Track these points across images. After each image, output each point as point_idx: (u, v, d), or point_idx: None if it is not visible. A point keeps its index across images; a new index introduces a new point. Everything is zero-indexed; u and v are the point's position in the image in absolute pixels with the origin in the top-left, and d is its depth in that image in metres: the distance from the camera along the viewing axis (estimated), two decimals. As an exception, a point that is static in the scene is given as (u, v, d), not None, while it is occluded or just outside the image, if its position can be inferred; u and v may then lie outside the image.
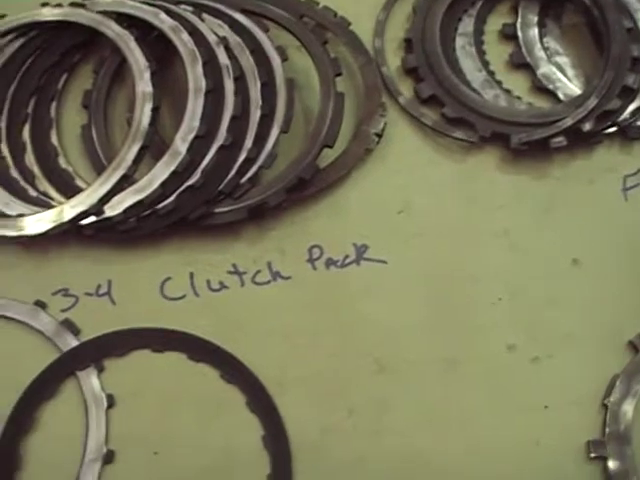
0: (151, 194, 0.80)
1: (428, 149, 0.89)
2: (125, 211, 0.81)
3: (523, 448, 0.80)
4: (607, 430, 0.79)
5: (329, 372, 0.81)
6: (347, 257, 0.83)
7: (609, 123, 0.89)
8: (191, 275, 0.82)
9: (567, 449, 0.80)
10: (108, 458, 0.77)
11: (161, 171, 0.80)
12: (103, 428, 0.78)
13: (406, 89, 0.91)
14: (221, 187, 0.82)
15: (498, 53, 0.96)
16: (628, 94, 0.89)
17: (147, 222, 0.81)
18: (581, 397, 0.81)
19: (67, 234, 0.82)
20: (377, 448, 0.80)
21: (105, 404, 0.78)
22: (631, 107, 0.89)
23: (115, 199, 0.80)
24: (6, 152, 0.87)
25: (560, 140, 0.86)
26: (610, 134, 0.90)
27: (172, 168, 0.80)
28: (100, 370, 0.80)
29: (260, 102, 0.84)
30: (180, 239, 0.83)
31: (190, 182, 0.81)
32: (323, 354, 0.81)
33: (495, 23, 0.97)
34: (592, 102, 0.86)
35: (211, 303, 0.83)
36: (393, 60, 0.93)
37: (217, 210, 0.82)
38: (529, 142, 0.86)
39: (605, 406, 0.80)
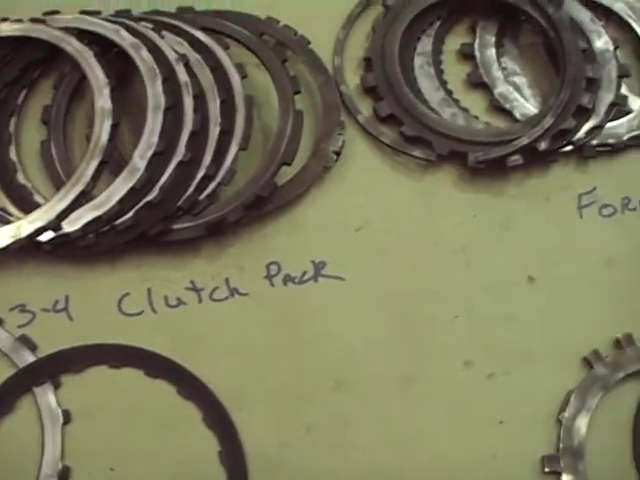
0: (109, 210, 0.80)
1: (386, 167, 0.90)
2: (83, 227, 0.81)
3: (480, 463, 0.81)
4: (561, 445, 0.80)
5: (287, 388, 0.81)
6: (305, 274, 0.83)
7: (564, 142, 0.90)
8: (149, 291, 0.82)
9: (523, 463, 0.80)
10: (64, 474, 0.77)
11: (119, 187, 0.80)
12: (59, 444, 0.77)
13: (365, 108, 0.92)
14: (179, 203, 0.82)
15: (456, 72, 0.96)
16: (583, 114, 0.90)
17: (105, 238, 0.82)
18: (537, 413, 0.81)
19: (25, 250, 0.82)
20: (335, 464, 0.80)
21: (61, 420, 0.78)
22: (586, 126, 0.91)
23: (73, 215, 0.80)
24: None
25: (516, 159, 0.87)
26: (566, 153, 0.91)
27: (130, 184, 0.80)
28: (57, 386, 0.79)
29: (219, 119, 0.84)
30: (138, 255, 0.83)
31: (148, 198, 0.81)
32: (281, 370, 0.80)
33: (453, 43, 0.98)
34: (548, 121, 0.87)
35: (169, 319, 0.82)
36: (352, 79, 0.93)
37: (175, 226, 0.83)
38: (486, 161, 0.87)
39: (560, 421, 0.80)
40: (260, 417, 0.81)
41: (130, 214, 0.82)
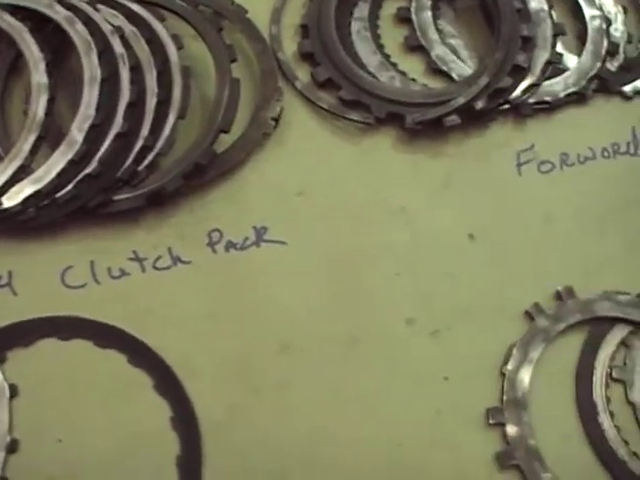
0: (49, 184, 0.81)
1: (325, 132, 0.90)
2: (23, 201, 0.81)
3: (424, 419, 0.82)
4: (505, 397, 0.82)
5: (233, 353, 0.82)
6: (247, 239, 0.84)
7: (501, 101, 0.91)
8: (92, 263, 0.83)
9: (467, 417, 0.82)
10: (12, 447, 0.77)
11: (58, 160, 0.81)
12: (6, 418, 0.77)
13: (303, 74, 0.93)
14: (119, 175, 0.83)
15: (393, 36, 0.97)
16: (519, 72, 0.91)
17: (46, 212, 0.82)
18: (480, 367, 0.83)
19: (-35, 227, 0.80)
20: (282, 426, 0.81)
21: (7, 394, 0.77)
22: (523, 85, 0.92)
23: (13, 190, 0.81)
24: None
25: (453, 119, 0.88)
26: (503, 111, 0.92)
27: (69, 157, 0.81)
28: (2, 360, 0.78)
29: (156, 90, 0.85)
30: (79, 228, 0.84)
31: (87, 170, 0.82)
32: (226, 336, 0.82)
33: (390, 7, 0.99)
34: (484, 81, 0.88)
35: (113, 290, 0.83)
36: (290, 46, 0.94)
37: (115, 198, 0.83)
38: (423, 121, 0.88)
39: (503, 374, 0.82)
40: (208, 383, 0.82)
41: (69, 187, 0.82)
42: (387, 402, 0.83)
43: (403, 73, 0.94)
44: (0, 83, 0.90)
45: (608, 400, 0.83)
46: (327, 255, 0.86)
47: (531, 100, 0.92)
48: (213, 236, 0.84)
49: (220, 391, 0.83)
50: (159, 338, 0.83)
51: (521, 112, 0.92)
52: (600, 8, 0.97)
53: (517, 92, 0.92)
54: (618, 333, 0.85)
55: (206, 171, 0.85)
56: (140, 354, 0.82)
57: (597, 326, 0.86)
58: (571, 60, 0.95)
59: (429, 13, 0.96)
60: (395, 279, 0.84)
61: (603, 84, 0.95)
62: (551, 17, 0.95)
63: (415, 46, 0.96)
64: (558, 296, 0.85)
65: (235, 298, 0.83)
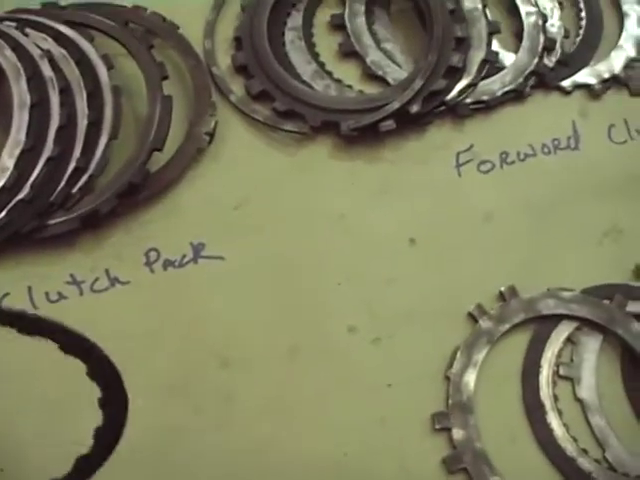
0: (-22, 212, 0.78)
1: (261, 144, 0.91)
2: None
3: (368, 427, 0.82)
4: (450, 401, 0.82)
5: (173, 372, 0.82)
6: (184, 257, 0.84)
7: (437, 103, 0.90)
8: (29, 289, 0.83)
9: (412, 424, 0.81)
10: None
11: (-11, 189, 0.79)
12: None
13: (237, 87, 0.93)
14: (52, 199, 0.82)
15: (328, 44, 0.97)
16: (454, 73, 0.91)
17: (-21, 239, 0.79)
18: (424, 372, 0.82)
19: None
20: (225, 441, 0.82)
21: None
22: (458, 86, 0.91)
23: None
24: None
25: (389, 124, 0.88)
26: (440, 113, 0.92)
27: (0, 184, 0.79)
28: None
29: (87, 111, 0.85)
30: (15, 254, 0.84)
31: (20, 196, 0.82)
32: (166, 354, 0.81)
33: (324, 15, 0.99)
34: (418, 84, 0.88)
35: (51, 315, 0.83)
36: (224, 60, 0.94)
37: (50, 222, 0.83)
38: (358, 128, 0.88)
39: (448, 378, 0.81)
40: (148, 403, 0.81)
41: (2, 214, 0.81)
42: (331, 411, 0.82)
43: (339, 81, 0.93)
44: None
45: (556, 398, 0.83)
46: (266, 267, 0.86)
47: (468, 100, 0.92)
48: (151, 255, 0.84)
49: (159, 411, 0.83)
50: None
51: (458, 113, 0.92)
52: (536, 4, 0.97)
53: (453, 93, 0.92)
54: (564, 330, 0.85)
55: (140, 190, 0.85)
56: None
57: (542, 324, 0.86)
58: (508, 58, 0.95)
59: (363, 18, 0.96)
60: (336, 287, 0.84)
61: (541, 80, 0.95)
62: (485, 16, 0.95)
63: (350, 52, 0.95)
64: (501, 296, 0.85)
65: (174, 316, 0.83)
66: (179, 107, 0.90)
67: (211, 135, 0.87)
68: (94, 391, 0.81)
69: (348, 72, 0.96)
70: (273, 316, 0.83)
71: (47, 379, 0.82)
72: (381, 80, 0.94)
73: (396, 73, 0.93)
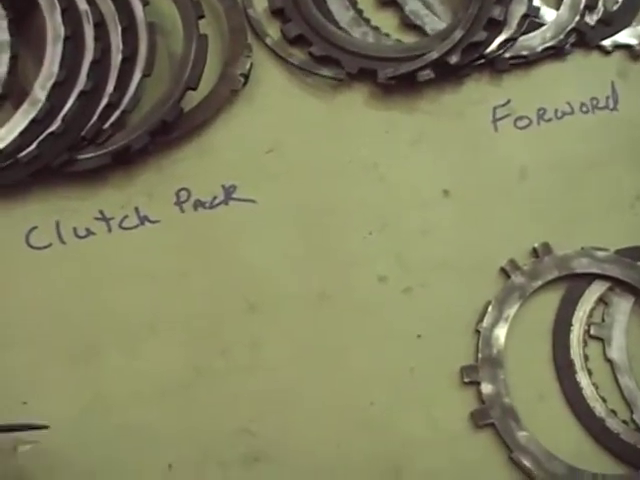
0: (11, 143, 0.79)
1: (296, 88, 0.89)
2: (-15, 162, 0.77)
3: (397, 377, 0.81)
4: (480, 355, 0.80)
5: (200, 313, 0.81)
6: (215, 198, 0.82)
7: (476, 55, 0.88)
8: (57, 223, 0.81)
9: (441, 376, 0.80)
10: None
11: (21, 119, 0.80)
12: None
13: (273, 31, 0.90)
14: (83, 133, 0.81)
15: (366, -8, 0.91)
16: (494, 26, 0.89)
17: (9, 172, 0.80)
18: (455, 324, 0.81)
19: None
20: (251, 385, 0.80)
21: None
22: (498, 39, 0.89)
23: (-25, 150, 0.77)
24: None
25: (427, 73, 0.86)
26: (479, 66, 0.90)
27: (31, 116, 0.79)
28: None
29: (121, 47, 0.83)
30: (44, 187, 0.82)
31: (51, 129, 0.80)
32: (194, 296, 0.80)
33: (364, -38, 0.93)
34: (458, 34, 0.87)
35: (78, 250, 0.82)
36: (260, 2, 0.92)
37: (80, 156, 0.81)
38: (396, 76, 0.87)
39: (478, 332, 0.80)
40: (175, 344, 0.80)
41: (32, 146, 0.80)
42: (359, 360, 0.81)
43: (376, 28, 0.92)
44: (-38, 41, 0.86)
45: (586, 358, 0.82)
46: (297, 213, 0.84)
47: (507, 55, 0.91)
48: (181, 195, 0.82)
49: (186, 352, 0.81)
50: (125, 297, 0.82)
51: (497, 67, 0.90)
52: (580, -41, 0.93)
53: (493, 46, 0.90)
54: (596, 290, 0.84)
55: (173, 129, 0.83)
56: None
57: (575, 283, 0.84)
58: (549, 14, 0.93)
59: (403, -33, 0.91)
60: (368, 236, 0.83)
61: (581, 38, 0.94)
62: (528, -31, 0.90)
63: (388, 1, 0.93)
64: (535, 253, 0.84)
65: (203, 257, 0.82)
66: (214, 48, 0.88)
67: (246, 77, 0.85)
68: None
69: (386, 21, 0.94)
70: (302, 262, 0.82)
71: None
72: (418, 30, 0.93)
73: (434, 23, 0.91)
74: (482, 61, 0.90)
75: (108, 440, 0.76)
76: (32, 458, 0.75)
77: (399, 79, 0.87)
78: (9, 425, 0.69)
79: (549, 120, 0.89)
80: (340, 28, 0.90)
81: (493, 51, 0.89)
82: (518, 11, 0.91)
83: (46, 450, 0.76)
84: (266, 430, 0.76)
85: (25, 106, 0.79)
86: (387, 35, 0.91)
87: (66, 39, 0.82)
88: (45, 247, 0.80)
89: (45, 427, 0.68)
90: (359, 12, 0.92)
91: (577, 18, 0.92)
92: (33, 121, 0.80)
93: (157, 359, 0.80)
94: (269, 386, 0.78)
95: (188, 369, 0.78)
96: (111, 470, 0.75)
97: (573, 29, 0.92)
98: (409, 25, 0.93)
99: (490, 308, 0.81)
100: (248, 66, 0.86)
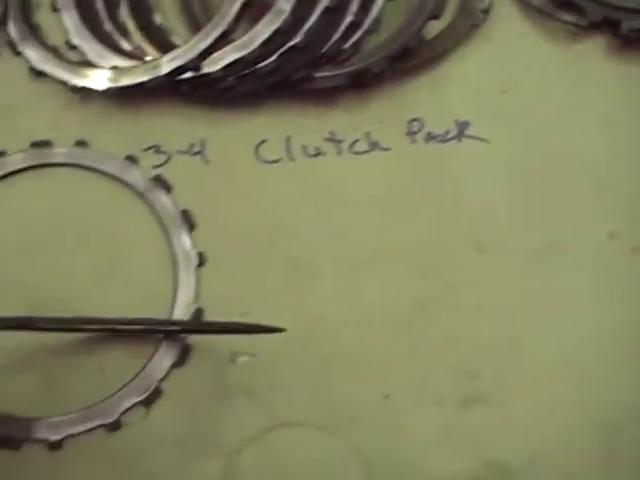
0: (252, 52, 0.77)
1: (534, 32, 0.86)
2: (224, 68, 0.77)
3: (624, 339, 0.78)
4: None
5: (426, 247, 0.79)
6: (448, 132, 0.80)
7: None
8: (287, 139, 0.80)
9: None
10: (197, 316, 0.78)
11: (263, 29, 0.78)
12: (193, 285, 0.75)
13: (516, -31, 0.85)
14: (323, 50, 0.79)
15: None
16: None
17: (246, 81, 0.79)
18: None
19: (161, 90, 0.79)
20: (474, 327, 0.78)
21: (195, 261, 0.77)
22: None
23: (215, 55, 0.78)
24: (100, 6, 0.85)
25: (679, 24, 0.81)
26: None
27: (275, 27, 0.77)
28: (192, 228, 0.75)
29: (369, -33, 0.78)
30: (278, 102, 0.81)
31: (292, 42, 0.78)
32: (420, 228, 0.79)
33: None
34: None
35: (307, 168, 0.82)
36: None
37: (318, 74, 0.79)
38: (640, 30, 0.81)
39: None
40: (398, 274, 0.79)
41: (273, 58, 0.78)
42: (581, 315, 0.79)
43: (616, -22, 0.85)
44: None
45: None
46: (528, 158, 0.82)
47: None
48: (413, 125, 0.80)
49: (410, 284, 0.80)
50: (350, 221, 0.81)
51: None
52: None
53: None
54: None
55: (413, 56, 0.81)
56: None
57: None
58: None
59: None
60: (597, 189, 0.80)
61: None
62: None
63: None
64: None
65: (432, 191, 0.80)
66: (455, -22, 0.80)
67: (486, 12, 0.82)
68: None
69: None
70: (531, 209, 0.81)
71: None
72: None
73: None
74: None
75: (325, 362, 0.72)
76: (249, 370, 0.71)
77: (643, 32, 0.81)
78: (249, 325, 0.67)
79: None
80: (586, -25, 0.84)
81: None
82: None
83: (262, 364, 0.71)
84: (487, 373, 0.74)
85: (269, 16, 0.78)
86: (629, -14, 0.85)
87: (315, -46, 0.75)
88: (274, 161, 0.79)
89: (282, 330, 0.65)
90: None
91: None
92: (276, 32, 0.77)
93: (379, 287, 0.78)
94: (492, 329, 0.75)
95: (411, 301, 0.76)
96: (327, 393, 0.72)
97: None
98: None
99: None
100: (488, 2, 0.83)
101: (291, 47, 0.79)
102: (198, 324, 0.72)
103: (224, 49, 0.79)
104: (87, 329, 0.71)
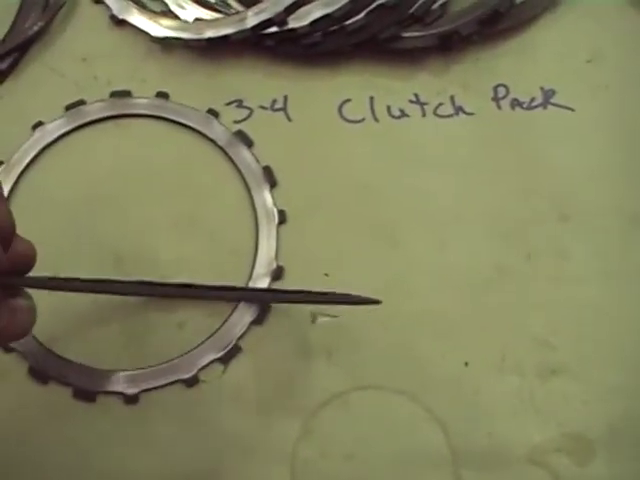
0: (340, 8, 0.76)
1: (622, 2, 0.82)
2: (311, 24, 0.76)
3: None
4: None
5: (508, 213, 0.79)
6: (533, 100, 0.79)
7: None
8: (371, 99, 0.79)
9: None
10: (277, 274, 0.78)
11: (353, -14, 0.74)
12: (273, 243, 0.74)
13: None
14: (412, 10, 0.77)
15: None
16: None
17: (332, 38, 0.78)
18: None
19: (245, 44, 0.78)
20: (554, 295, 0.75)
21: (276, 220, 0.76)
22: None
23: (302, 10, 0.76)
24: (183, -41, 0.80)
25: None
26: None
27: (364, -17, 0.74)
28: (273, 185, 0.74)
29: None
30: (363, 61, 0.80)
31: (382, 0, 0.78)
32: (502, 194, 0.78)
33: None
34: None
35: (390, 130, 0.81)
36: None
37: (406, 34, 0.77)
38: None
39: None
40: (479, 238, 0.79)
41: (361, 15, 0.78)
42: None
43: None
44: None
45: None
46: (614, 129, 0.82)
47: None
48: (499, 91, 0.79)
49: (491, 248, 0.79)
50: (432, 184, 0.81)
51: None
52: None
53: None
54: None
55: (502, 20, 0.79)
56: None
57: None
58: None
59: None
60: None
61: None
62: None
63: None
64: None
65: (515, 157, 0.80)
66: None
67: (572, -20, 0.79)
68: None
69: None
70: (616, 179, 0.80)
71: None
72: None
73: None
74: None
75: (406, 326, 0.72)
76: (329, 331, 0.70)
77: None
78: (342, 295, 0.65)
79: None
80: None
81: None
82: None
83: (343, 325, 0.70)
84: (566, 343, 0.72)
85: (359, -27, 0.74)
86: None
87: None
88: (357, 121, 0.78)
89: (377, 302, 0.63)
90: None
91: None
92: (365, -12, 0.73)
93: (460, 250, 0.78)
94: (573, 299, 0.74)
95: (491, 267, 0.75)
96: (407, 357, 0.71)
97: None
98: None
99: None
100: (575, -31, 0.80)
101: (380, 5, 0.78)
102: (291, 293, 0.71)
103: (311, 4, 0.78)
104: (168, 295, 0.72)
